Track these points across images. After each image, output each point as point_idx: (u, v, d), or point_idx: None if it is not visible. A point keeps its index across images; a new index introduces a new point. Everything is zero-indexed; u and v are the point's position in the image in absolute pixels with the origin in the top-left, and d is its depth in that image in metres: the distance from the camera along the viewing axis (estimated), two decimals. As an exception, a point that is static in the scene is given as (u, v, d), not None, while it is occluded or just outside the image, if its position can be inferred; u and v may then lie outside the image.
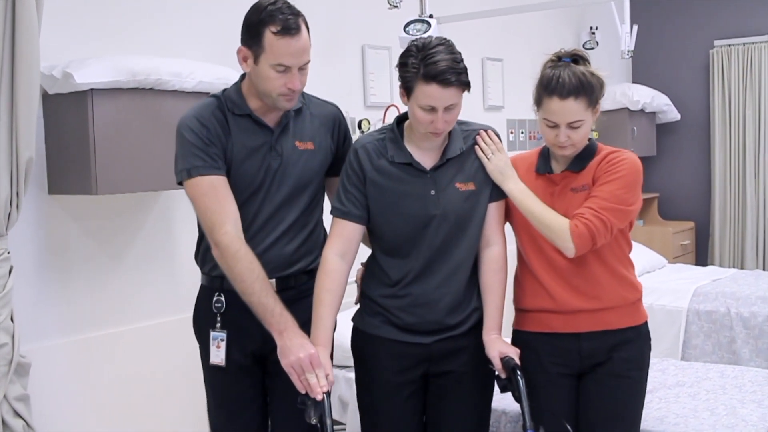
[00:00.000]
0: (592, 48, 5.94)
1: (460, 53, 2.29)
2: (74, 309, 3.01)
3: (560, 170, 2.47)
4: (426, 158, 2.41)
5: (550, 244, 2.41)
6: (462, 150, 2.43)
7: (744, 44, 6.36)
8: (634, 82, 6.83)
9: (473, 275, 2.47)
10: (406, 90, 2.30)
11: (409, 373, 2.45)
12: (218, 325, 2.40)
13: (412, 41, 2.33)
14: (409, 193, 2.38)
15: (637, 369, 2.49)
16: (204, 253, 2.43)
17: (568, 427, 2.35)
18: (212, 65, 3.08)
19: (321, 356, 2.22)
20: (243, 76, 2.39)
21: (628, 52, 5.61)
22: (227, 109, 2.35)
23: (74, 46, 2.95)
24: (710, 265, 6.50)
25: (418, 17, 4.18)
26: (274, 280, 2.34)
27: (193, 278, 3.36)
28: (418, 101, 2.27)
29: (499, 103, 5.32)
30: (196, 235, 2.46)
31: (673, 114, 6.67)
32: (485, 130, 2.48)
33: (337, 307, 2.37)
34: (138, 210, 3.22)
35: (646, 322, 2.53)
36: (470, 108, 4.47)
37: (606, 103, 6.54)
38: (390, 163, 2.39)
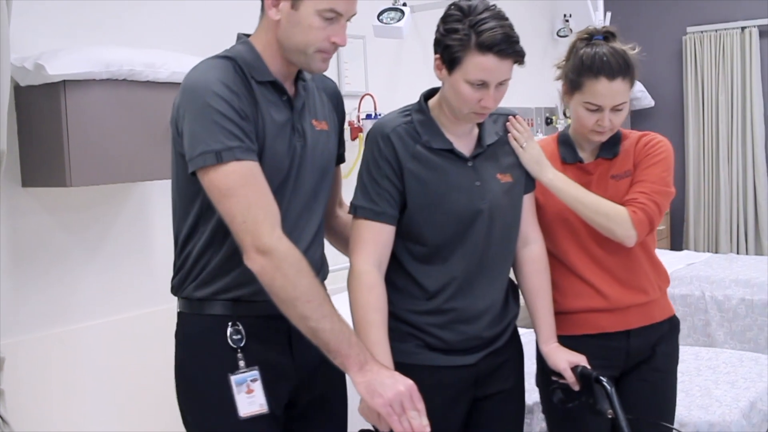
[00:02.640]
0: (566, 36, 5.98)
1: (509, 19, 1.98)
2: (49, 303, 3.00)
3: (591, 158, 2.30)
4: (461, 144, 2.07)
5: (591, 238, 2.24)
6: (498, 135, 2.14)
7: (716, 31, 6.41)
8: (608, 69, 6.86)
9: (507, 278, 2.20)
10: (450, 62, 1.95)
11: (457, 402, 2.08)
12: (241, 363, 1.85)
13: (451, 4, 1.99)
14: (454, 186, 2.03)
15: (675, 362, 2.40)
16: (216, 268, 1.88)
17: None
18: (186, 55, 3.06)
19: None
20: (247, 34, 1.95)
21: (602, 39, 5.64)
22: (247, 73, 1.83)
23: (46, 37, 2.92)
24: (685, 249, 6.58)
25: (391, 5, 4.18)
26: None
27: (170, 270, 3.35)
28: (468, 75, 1.93)
29: (474, 91, 5.33)
30: (169, 239, 2.07)
31: (647, 100, 6.72)
32: (513, 116, 2.20)
33: (387, 327, 1.97)
34: (113, 202, 3.20)
35: (674, 313, 2.42)
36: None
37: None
38: (427, 149, 2.03)
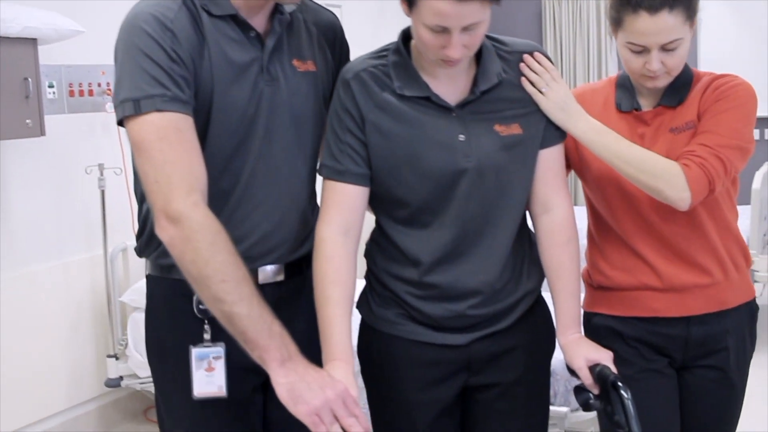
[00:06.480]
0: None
1: None
2: None
3: (651, 106, 1.88)
4: (448, 90, 1.70)
5: (646, 200, 1.83)
6: (501, 78, 1.71)
7: (573, -9, 6.67)
8: (471, 28, 7.02)
9: (520, 248, 1.79)
10: (409, 0, 1.59)
11: (441, 387, 1.76)
12: (207, 336, 1.62)
13: None
14: (429, 141, 1.67)
15: (747, 357, 1.98)
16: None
17: None
18: (37, 9, 2.95)
19: (351, 387, 1.51)
20: None
21: None
22: (198, 6, 1.56)
23: None
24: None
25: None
26: (274, 267, 1.69)
27: (29, 231, 3.24)
28: (424, 18, 1.56)
29: (340, 49, 5.34)
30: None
31: (509, 59, 6.91)
32: (531, 53, 1.76)
33: (350, 304, 1.67)
34: (-36, 164, 3.07)
35: (755, 296, 2.00)
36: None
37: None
38: (398, 97, 1.68)
